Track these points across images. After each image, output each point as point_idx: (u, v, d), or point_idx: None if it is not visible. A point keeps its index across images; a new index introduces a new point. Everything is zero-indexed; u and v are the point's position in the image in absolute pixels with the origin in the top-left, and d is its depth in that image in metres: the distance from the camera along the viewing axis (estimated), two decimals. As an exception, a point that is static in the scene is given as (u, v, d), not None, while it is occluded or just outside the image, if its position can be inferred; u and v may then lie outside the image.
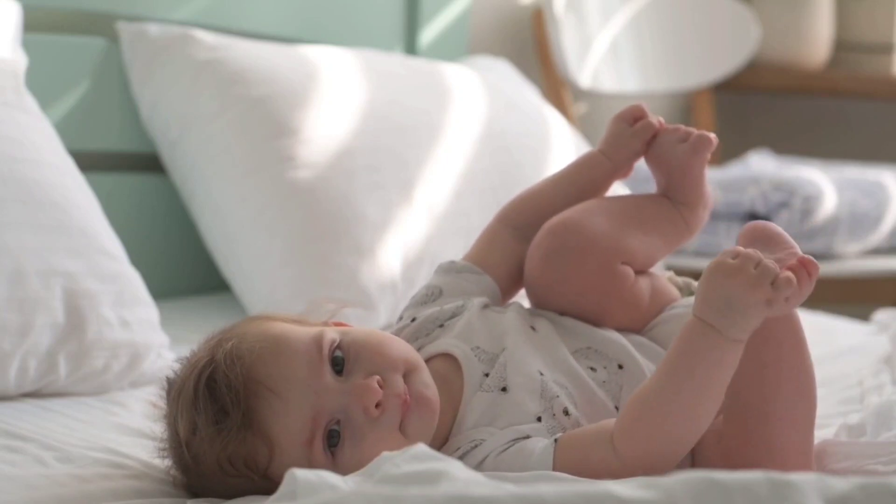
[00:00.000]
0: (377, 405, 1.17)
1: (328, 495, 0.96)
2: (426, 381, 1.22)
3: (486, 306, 1.33)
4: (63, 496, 1.20)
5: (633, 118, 1.41)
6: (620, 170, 1.42)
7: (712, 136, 1.39)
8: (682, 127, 1.40)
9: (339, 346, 1.21)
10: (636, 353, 1.30)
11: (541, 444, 1.19)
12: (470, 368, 1.25)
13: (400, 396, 1.18)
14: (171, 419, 1.21)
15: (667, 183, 1.42)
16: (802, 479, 0.89)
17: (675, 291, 1.40)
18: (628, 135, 1.40)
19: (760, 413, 1.21)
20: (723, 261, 1.13)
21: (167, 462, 1.24)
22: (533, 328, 1.31)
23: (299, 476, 1.00)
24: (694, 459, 1.24)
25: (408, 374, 1.21)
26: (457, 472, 0.97)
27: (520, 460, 1.18)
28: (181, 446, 1.20)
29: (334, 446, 1.17)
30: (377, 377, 1.19)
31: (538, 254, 1.34)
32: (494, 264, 1.38)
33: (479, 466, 1.18)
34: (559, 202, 1.38)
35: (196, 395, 1.18)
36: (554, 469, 1.16)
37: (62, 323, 1.56)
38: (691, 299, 1.35)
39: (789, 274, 1.12)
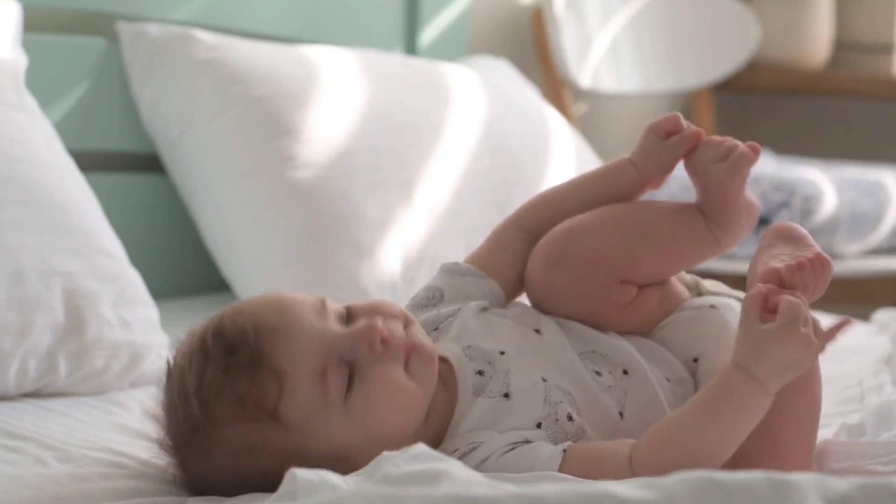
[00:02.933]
0: (382, 343, 1.19)
1: (328, 495, 0.96)
2: (423, 333, 1.23)
3: (485, 309, 1.32)
4: (63, 496, 1.20)
5: (666, 131, 1.33)
6: (649, 182, 1.36)
7: (754, 150, 1.30)
8: (726, 141, 1.30)
9: (345, 309, 1.23)
10: (641, 359, 1.28)
11: (546, 450, 1.18)
12: (462, 369, 1.25)
13: (402, 338, 1.20)
14: (177, 384, 1.20)
15: (702, 199, 1.34)
16: (802, 479, 0.89)
17: (684, 292, 1.38)
18: (659, 149, 1.33)
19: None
20: (796, 329, 1.15)
21: (168, 458, 1.23)
22: (538, 331, 1.30)
23: (299, 476, 1.00)
24: None
25: (406, 326, 1.23)
26: (457, 472, 0.97)
27: (524, 464, 1.17)
28: (189, 402, 1.18)
29: (347, 391, 1.18)
30: (380, 317, 1.20)
31: (539, 258, 1.33)
32: (500, 268, 1.36)
33: (479, 468, 1.17)
34: (575, 210, 1.34)
35: (203, 342, 1.18)
36: (561, 467, 1.16)
37: (62, 323, 1.56)
38: (700, 300, 1.36)
39: (829, 332, 1.18)
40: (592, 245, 1.31)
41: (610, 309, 1.31)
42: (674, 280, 1.39)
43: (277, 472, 1.07)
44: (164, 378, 1.23)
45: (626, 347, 1.29)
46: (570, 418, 1.22)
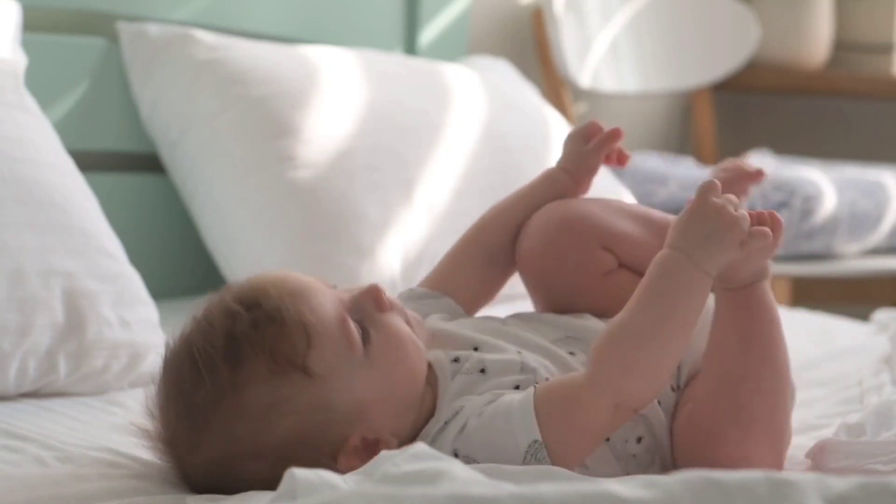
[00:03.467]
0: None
1: (328, 495, 0.96)
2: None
3: (446, 321, 1.37)
4: (63, 496, 1.20)
5: (586, 137, 1.45)
6: (581, 185, 1.46)
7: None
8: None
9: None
10: None
11: (518, 395, 1.21)
12: (439, 362, 1.27)
13: (399, 304, 1.26)
14: (200, 354, 1.20)
15: None
16: (802, 478, 0.89)
17: None
18: (584, 153, 1.45)
19: (725, 374, 1.25)
20: (707, 198, 1.19)
21: (168, 453, 1.23)
22: (504, 324, 1.34)
23: (299, 476, 1.00)
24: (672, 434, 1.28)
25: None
26: (456, 472, 0.97)
27: (500, 415, 1.19)
28: (215, 371, 1.18)
29: (363, 341, 1.22)
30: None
31: (534, 226, 1.41)
32: (457, 287, 1.43)
33: (461, 432, 1.20)
34: (525, 219, 1.43)
35: (225, 307, 1.21)
36: (536, 412, 1.18)
37: (62, 323, 1.56)
38: None
39: (765, 228, 1.20)
40: (578, 208, 1.41)
41: (591, 277, 1.38)
42: None
43: (301, 436, 1.15)
44: (168, 366, 1.23)
45: (600, 327, 1.32)
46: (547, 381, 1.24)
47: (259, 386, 1.18)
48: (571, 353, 1.30)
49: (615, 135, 1.44)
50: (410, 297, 1.42)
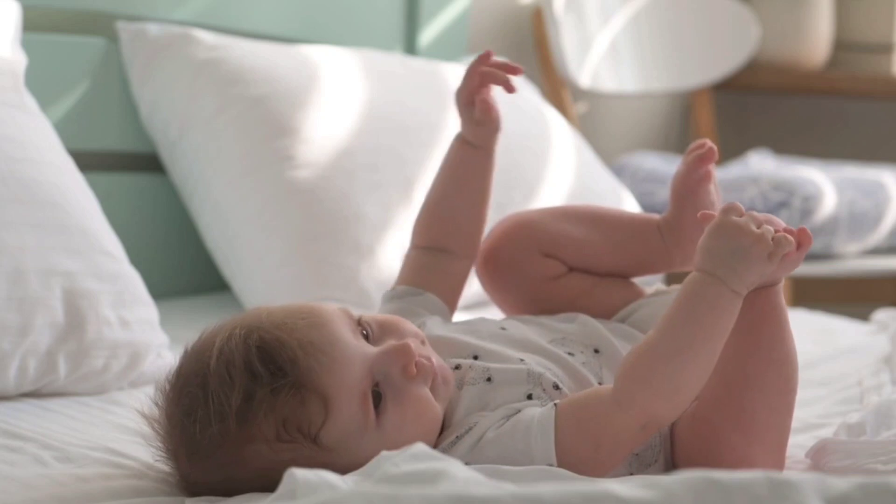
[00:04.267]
0: (416, 366, 1.21)
1: (328, 495, 0.96)
2: (435, 353, 1.26)
3: (444, 324, 1.37)
4: (63, 496, 1.20)
5: (467, 97, 1.43)
6: (488, 150, 1.44)
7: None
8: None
9: (359, 322, 1.24)
10: (612, 337, 1.33)
11: (538, 411, 1.20)
12: None
13: (430, 359, 1.22)
14: (213, 397, 1.17)
15: (670, 218, 1.44)
16: (802, 478, 0.89)
17: (643, 291, 1.45)
18: (476, 118, 1.43)
19: (731, 378, 1.24)
20: (727, 218, 1.18)
21: (171, 464, 1.23)
22: (503, 328, 1.34)
23: (298, 476, 1.00)
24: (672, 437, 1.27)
25: (424, 346, 1.26)
26: (456, 472, 0.97)
27: (519, 431, 1.19)
28: (224, 420, 1.16)
29: (377, 407, 1.19)
30: (411, 338, 1.23)
31: (487, 238, 1.44)
32: (431, 282, 1.42)
33: (476, 446, 1.20)
34: (451, 206, 1.44)
35: (249, 361, 1.16)
36: (556, 432, 1.18)
37: (62, 323, 1.56)
38: (673, 286, 1.42)
39: (785, 235, 1.18)
40: (521, 219, 1.43)
41: (538, 283, 1.40)
42: (633, 283, 1.46)
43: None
44: (182, 387, 1.20)
45: (596, 328, 1.33)
46: (556, 387, 1.25)
47: (263, 445, 1.17)
48: (570, 354, 1.30)
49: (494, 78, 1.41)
50: (394, 296, 1.41)
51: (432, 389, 1.22)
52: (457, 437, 1.22)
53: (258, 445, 1.17)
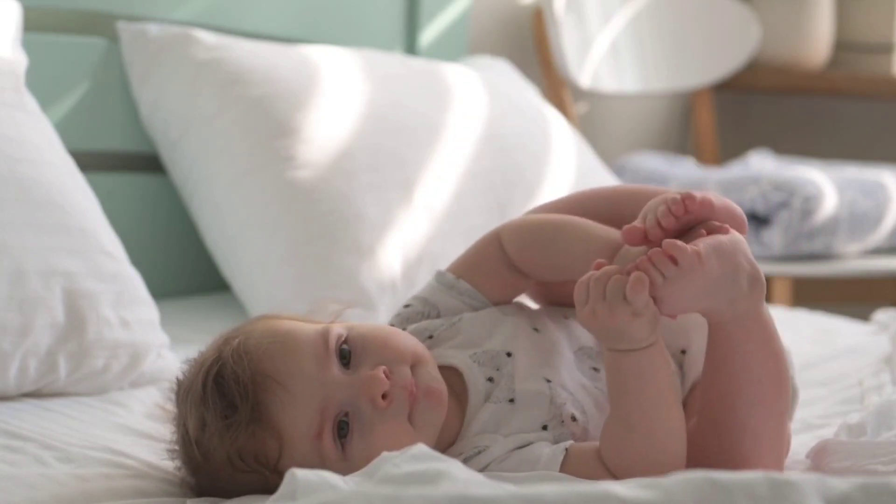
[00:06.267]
0: (384, 396, 1.18)
1: (328, 495, 0.96)
2: (433, 373, 1.22)
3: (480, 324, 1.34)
4: (63, 496, 1.20)
5: None
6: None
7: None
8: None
9: (345, 341, 1.22)
10: None
11: (547, 450, 1.19)
12: (472, 376, 1.26)
13: (407, 388, 1.19)
14: (181, 418, 1.22)
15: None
16: (802, 478, 0.89)
17: None
18: None
19: (726, 391, 1.23)
20: (581, 313, 1.16)
21: (176, 462, 1.24)
22: (536, 329, 1.31)
23: (299, 476, 1.00)
24: None
25: (415, 366, 1.22)
26: (457, 473, 0.97)
27: (525, 467, 1.19)
28: (191, 444, 1.20)
29: (343, 437, 1.18)
30: (384, 368, 1.20)
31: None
32: (481, 282, 1.35)
33: (482, 472, 1.18)
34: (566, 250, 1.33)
35: (204, 391, 1.19)
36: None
37: (62, 323, 1.56)
38: None
39: (638, 275, 1.14)
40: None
41: (549, 284, 1.37)
42: None
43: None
44: (177, 407, 1.25)
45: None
46: (574, 419, 1.24)
47: (226, 473, 1.20)
48: (595, 370, 1.29)
49: None
50: (453, 287, 1.34)
51: (413, 415, 1.19)
52: (464, 456, 1.21)
53: (222, 474, 1.20)
